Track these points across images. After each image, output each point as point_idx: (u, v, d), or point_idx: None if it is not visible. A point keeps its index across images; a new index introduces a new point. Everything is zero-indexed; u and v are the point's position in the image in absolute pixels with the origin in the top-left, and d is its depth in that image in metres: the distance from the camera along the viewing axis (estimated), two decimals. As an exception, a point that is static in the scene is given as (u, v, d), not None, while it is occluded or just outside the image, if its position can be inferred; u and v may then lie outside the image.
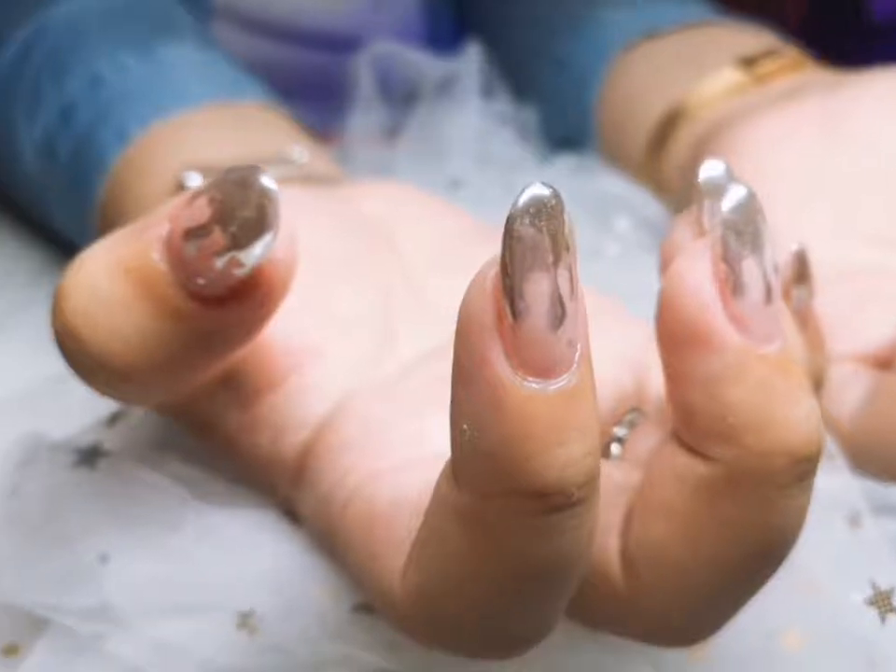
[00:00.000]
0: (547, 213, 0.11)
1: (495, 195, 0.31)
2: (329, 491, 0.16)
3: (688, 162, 0.30)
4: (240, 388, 0.17)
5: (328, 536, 0.16)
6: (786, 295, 0.17)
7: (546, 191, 0.11)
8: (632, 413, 0.18)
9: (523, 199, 0.11)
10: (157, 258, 0.13)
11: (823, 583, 0.17)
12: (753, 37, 0.33)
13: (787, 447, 0.12)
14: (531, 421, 0.11)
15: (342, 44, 0.47)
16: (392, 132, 0.35)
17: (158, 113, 0.28)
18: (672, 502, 0.13)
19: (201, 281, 0.13)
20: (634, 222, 0.29)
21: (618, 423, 0.18)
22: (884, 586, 0.17)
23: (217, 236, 0.12)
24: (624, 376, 0.18)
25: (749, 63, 0.31)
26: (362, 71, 0.36)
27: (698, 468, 0.13)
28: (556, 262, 0.11)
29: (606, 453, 0.18)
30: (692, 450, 0.13)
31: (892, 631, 0.17)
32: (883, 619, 0.17)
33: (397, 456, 0.15)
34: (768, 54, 0.32)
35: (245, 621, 0.16)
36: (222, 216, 0.12)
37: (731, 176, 0.15)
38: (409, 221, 0.23)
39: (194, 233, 0.13)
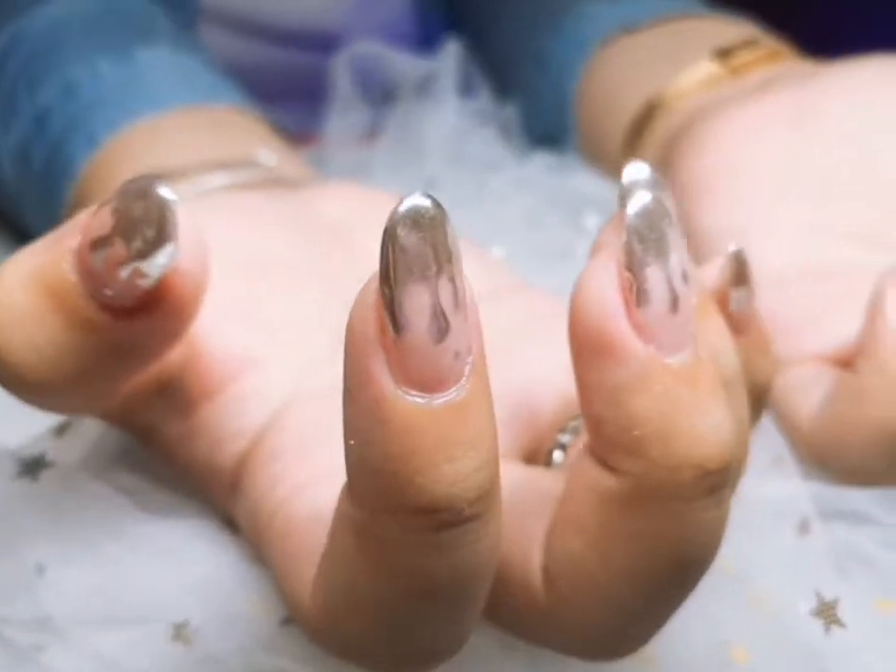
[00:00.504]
0: (427, 223, 0.11)
1: (469, 194, 0.31)
2: (257, 502, 0.16)
3: (661, 157, 0.29)
4: (177, 397, 0.17)
5: (257, 547, 0.16)
6: (724, 298, 0.17)
7: (426, 202, 0.11)
8: (577, 419, 0.18)
9: (402, 209, 0.11)
10: (68, 269, 0.13)
11: (772, 594, 0.17)
12: (732, 28, 0.33)
13: (694, 459, 0.12)
14: (416, 436, 0.11)
15: (329, 44, 0.47)
16: (371, 132, 0.35)
17: (128, 118, 0.28)
18: (584, 515, 0.13)
19: (109, 292, 0.13)
20: (605, 221, 0.29)
21: (562, 429, 0.18)
22: (828, 597, 0.16)
23: (120, 247, 0.12)
24: (571, 381, 0.18)
25: (725, 54, 0.31)
26: (340, 71, 0.36)
27: (607, 480, 0.12)
28: (438, 274, 0.11)
29: (548, 460, 0.18)
30: (602, 462, 0.13)
31: (836, 642, 0.16)
32: (827, 629, 0.16)
33: (322, 468, 0.15)
34: (745, 45, 0.31)
35: (180, 632, 0.16)
36: (123, 227, 0.12)
37: (655, 179, 0.14)
38: (368, 224, 0.23)
39: (100, 244, 0.13)
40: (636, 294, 0.12)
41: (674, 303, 0.12)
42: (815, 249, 0.24)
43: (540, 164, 0.32)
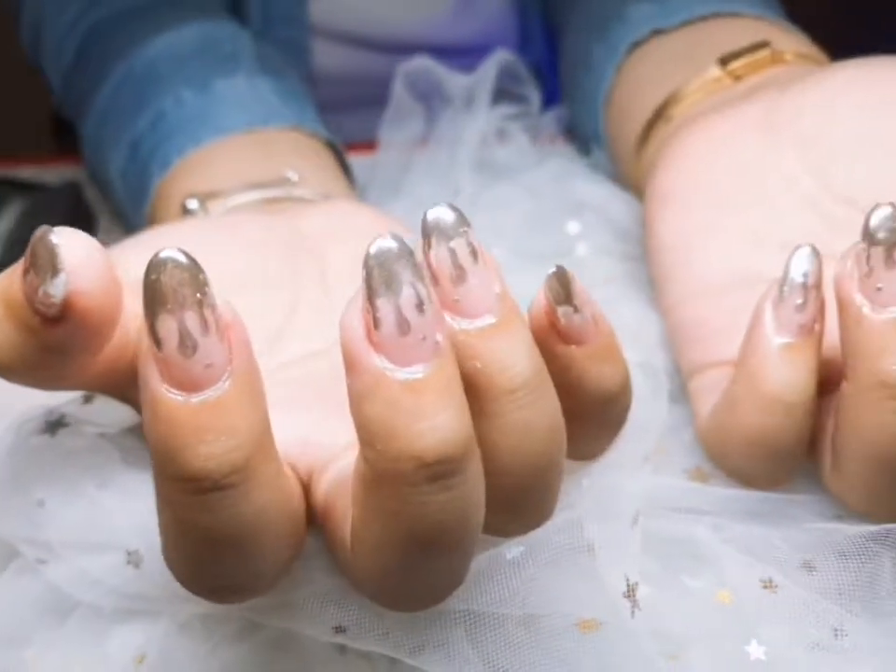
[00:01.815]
0: (175, 265, 0.14)
1: (486, 200, 0.34)
2: None
3: (651, 165, 0.31)
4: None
5: None
6: (552, 314, 0.19)
7: (177, 255, 0.15)
8: None
9: (157, 257, 0.15)
10: (17, 289, 0.18)
11: (603, 574, 0.19)
12: (750, 30, 0.33)
13: (413, 453, 0.15)
14: (175, 423, 0.15)
15: (432, 50, 0.51)
16: (422, 140, 0.39)
17: (193, 144, 0.33)
18: (355, 493, 0.16)
19: (38, 306, 0.18)
20: (593, 228, 0.31)
21: None
22: (632, 580, 0.18)
23: (33, 276, 0.17)
24: None
25: (730, 59, 0.31)
26: (397, 83, 0.39)
27: (360, 465, 0.16)
28: (184, 305, 0.14)
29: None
30: (361, 451, 0.16)
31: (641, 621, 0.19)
32: (632, 613, 0.18)
33: None
34: (752, 49, 0.31)
35: (130, 557, 0.21)
36: (31, 263, 0.17)
37: (457, 220, 0.17)
38: (341, 239, 0.26)
39: (26, 273, 0.17)
40: (373, 320, 0.15)
41: (402, 328, 0.15)
42: (753, 259, 0.25)
43: (549, 171, 0.34)
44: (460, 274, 0.16)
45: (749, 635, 0.19)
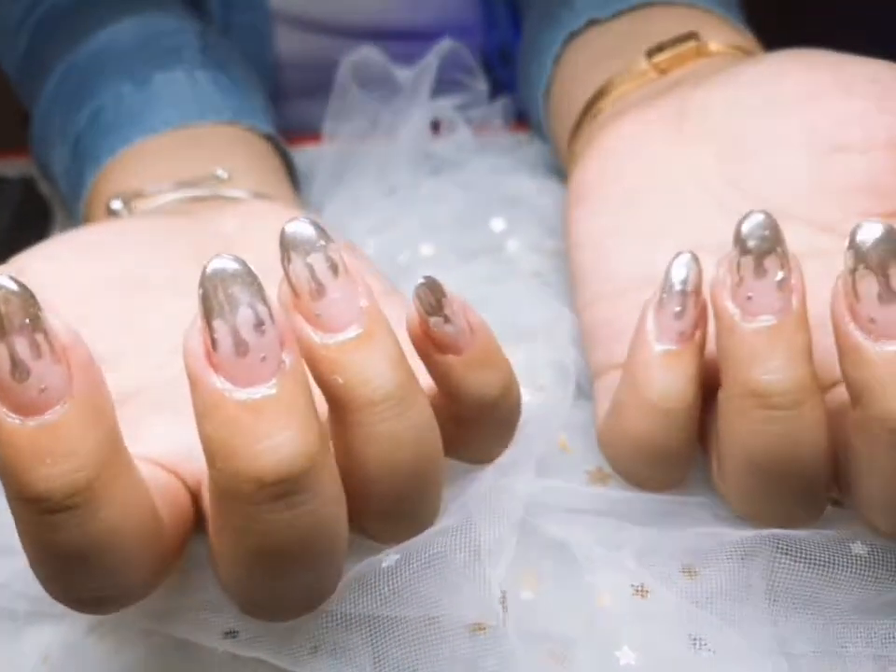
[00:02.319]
0: (5, 291, 0.15)
1: (420, 194, 0.34)
2: None
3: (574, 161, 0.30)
4: None
5: None
6: (424, 325, 0.19)
7: (2, 280, 0.15)
8: None
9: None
10: None
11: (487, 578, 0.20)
12: (682, 20, 0.32)
13: (251, 473, 0.15)
14: (16, 447, 0.15)
15: (394, 35, 0.50)
16: (366, 133, 0.39)
17: (124, 142, 0.33)
18: (208, 507, 0.17)
19: None
20: (523, 223, 0.31)
21: None
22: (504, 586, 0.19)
23: None
24: None
25: (656, 51, 0.31)
26: (342, 75, 0.39)
27: (209, 482, 0.16)
28: (12, 331, 0.15)
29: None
30: None
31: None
32: (504, 619, 0.19)
33: (139, 452, 0.19)
34: (678, 41, 0.31)
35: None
36: None
37: (316, 235, 0.17)
38: (254, 241, 0.26)
39: None
40: (210, 341, 0.15)
41: (240, 348, 0.15)
42: (659, 259, 0.25)
43: (484, 166, 0.34)
44: (319, 289, 0.17)
45: (620, 640, 0.19)
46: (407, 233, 0.32)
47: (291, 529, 0.16)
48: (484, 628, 0.20)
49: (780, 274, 0.19)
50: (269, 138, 0.35)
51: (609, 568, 0.21)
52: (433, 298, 0.19)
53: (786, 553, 0.20)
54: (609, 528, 0.22)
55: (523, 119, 0.41)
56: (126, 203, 0.30)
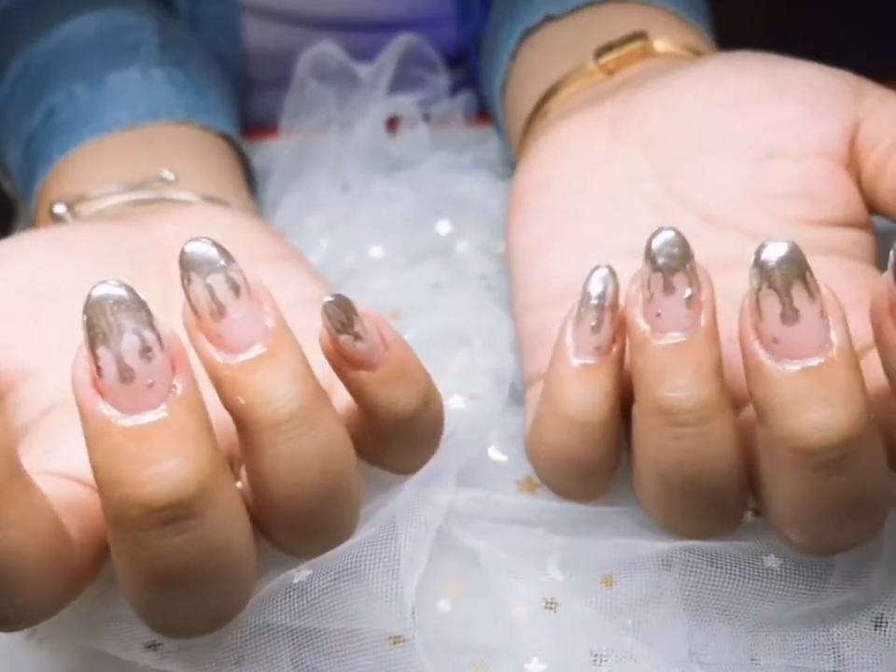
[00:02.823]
0: None
1: (374, 193, 0.34)
2: None
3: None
4: None
5: None
6: (334, 342, 0.19)
7: None
8: None
9: None
10: None
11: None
12: (634, 19, 0.32)
13: (138, 499, 0.15)
14: None
15: (364, 26, 0.50)
16: (325, 127, 0.38)
17: (75, 142, 0.32)
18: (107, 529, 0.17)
19: None
20: (473, 225, 0.31)
21: None
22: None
23: None
24: None
25: (604, 51, 0.30)
26: (301, 70, 0.39)
27: (102, 507, 0.16)
28: None
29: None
30: None
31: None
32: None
33: (40, 467, 0.20)
34: (627, 41, 0.30)
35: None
36: None
37: (217, 255, 0.17)
38: None
39: None
40: (96, 368, 0.15)
41: (125, 375, 0.15)
42: (593, 266, 0.25)
43: (436, 165, 0.33)
44: (220, 310, 0.17)
45: (531, 652, 0.20)
46: (358, 234, 0.32)
47: (182, 554, 0.16)
48: (403, 640, 0.20)
49: (689, 292, 0.18)
50: (225, 137, 0.35)
51: (525, 580, 0.21)
52: (343, 315, 0.19)
53: (704, 562, 0.21)
54: (532, 538, 0.22)
55: (487, 113, 0.41)
56: (70, 207, 0.30)
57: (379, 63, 0.38)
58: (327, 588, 0.20)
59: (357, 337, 0.19)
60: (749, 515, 0.21)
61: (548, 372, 0.22)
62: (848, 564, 0.21)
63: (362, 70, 0.38)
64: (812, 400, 0.17)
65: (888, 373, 0.18)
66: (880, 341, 0.17)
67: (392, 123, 0.37)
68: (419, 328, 0.27)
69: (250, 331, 0.17)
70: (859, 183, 0.24)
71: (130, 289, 0.16)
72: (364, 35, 0.45)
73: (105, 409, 0.15)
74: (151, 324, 0.16)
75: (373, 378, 0.19)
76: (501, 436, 0.25)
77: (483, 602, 0.21)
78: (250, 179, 0.36)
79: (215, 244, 0.17)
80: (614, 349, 0.21)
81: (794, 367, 0.17)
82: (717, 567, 0.20)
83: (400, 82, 0.39)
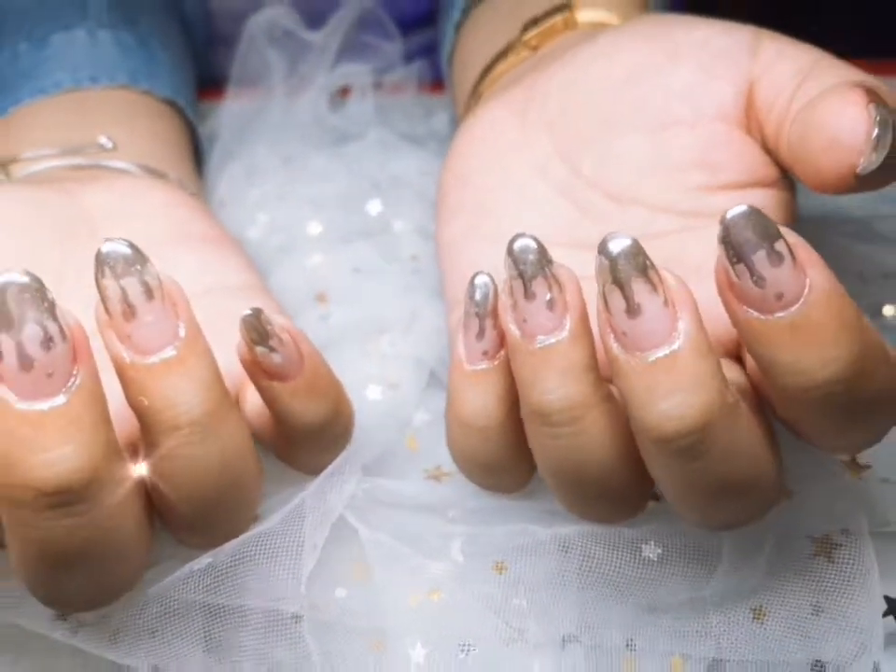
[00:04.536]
0: None
1: (318, 168, 0.34)
2: None
3: None
4: None
5: None
6: (251, 352, 0.20)
7: None
8: None
9: None
10: None
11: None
12: None
13: (29, 483, 0.16)
14: None
15: None
16: (268, 96, 0.38)
17: (13, 102, 0.32)
18: None
19: None
20: (409, 204, 0.31)
21: None
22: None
23: None
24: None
25: (529, 25, 0.29)
26: (250, 33, 0.38)
27: None
28: None
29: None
30: None
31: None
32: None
33: None
34: (551, 13, 0.29)
35: None
36: None
37: (127, 256, 0.17)
38: (121, 219, 0.26)
39: None
40: None
41: (24, 363, 0.16)
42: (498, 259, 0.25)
43: (374, 139, 0.33)
44: (131, 311, 0.17)
45: (415, 639, 0.21)
46: (295, 210, 0.32)
47: (71, 537, 0.17)
48: (302, 618, 0.21)
49: (548, 295, 0.19)
50: (171, 103, 0.35)
51: (417, 569, 0.22)
52: (260, 328, 0.19)
53: (597, 547, 0.21)
54: (436, 525, 0.23)
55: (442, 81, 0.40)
56: (3, 166, 0.29)
57: (329, 29, 0.38)
58: (229, 570, 0.21)
59: (272, 349, 0.19)
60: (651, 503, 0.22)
61: (448, 378, 0.22)
62: (733, 553, 0.22)
63: (313, 36, 0.38)
64: (662, 390, 0.17)
65: (745, 345, 0.18)
66: (730, 317, 0.18)
67: (343, 91, 0.37)
68: (342, 314, 0.27)
69: (160, 335, 0.17)
70: (765, 141, 0.24)
71: (35, 278, 0.16)
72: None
73: (2, 391, 0.16)
74: (54, 314, 0.16)
75: (286, 389, 0.20)
76: (424, 420, 0.25)
77: (377, 589, 0.22)
78: (196, 146, 0.36)
79: (131, 245, 0.17)
80: (501, 353, 0.21)
81: (643, 358, 0.17)
82: (608, 551, 0.21)
83: (353, 48, 0.39)
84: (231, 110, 0.37)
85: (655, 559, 0.21)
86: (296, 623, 0.21)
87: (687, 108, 0.24)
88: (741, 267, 0.17)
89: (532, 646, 0.20)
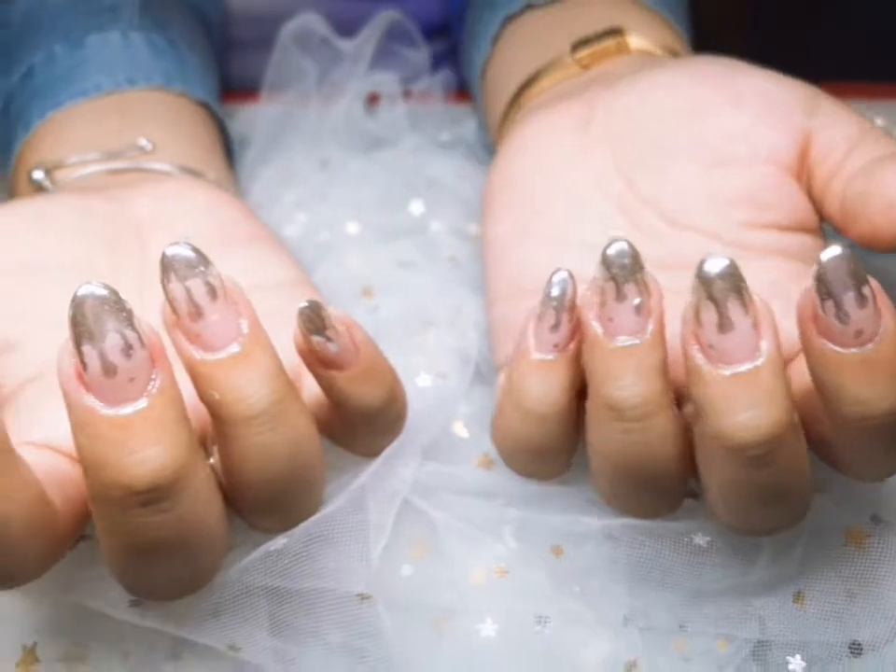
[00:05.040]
0: None
1: (351, 172, 0.35)
2: None
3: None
4: None
5: None
6: (308, 342, 0.20)
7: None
8: None
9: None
10: None
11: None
12: (613, 13, 0.32)
13: (120, 484, 0.17)
14: None
15: None
16: (303, 101, 0.39)
17: (54, 106, 0.32)
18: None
19: None
20: (445, 206, 0.32)
21: None
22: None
23: None
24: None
25: (580, 45, 0.31)
26: (283, 40, 0.39)
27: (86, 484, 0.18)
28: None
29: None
30: None
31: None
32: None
33: (23, 436, 0.21)
34: (602, 36, 0.31)
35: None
36: None
37: (192, 259, 0.18)
38: (168, 221, 0.27)
39: None
40: (81, 363, 0.17)
41: (108, 371, 0.17)
42: (559, 262, 0.26)
43: (415, 144, 0.35)
44: (197, 311, 0.18)
45: (485, 614, 0.22)
46: (334, 211, 0.33)
47: (159, 531, 0.18)
48: (369, 597, 0.22)
49: (638, 300, 0.20)
50: (204, 105, 0.35)
51: (480, 548, 0.23)
52: (317, 319, 0.20)
53: (645, 537, 0.23)
54: (489, 510, 0.24)
55: (466, 90, 0.41)
56: (48, 173, 0.30)
57: (362, 38, 0.39)
58: (300, 552, 0.21)
59: (329, 339, 0.20)
60: (688, 500, 0.23)
61: (509, 366, 0.23)
62: (773, 543, 0.23)
63: (344, 45, 0.39)
64: (740, 402, 0.18)
65: (811, 371, 0.19)
66: (805, 344, 0.19)
67: (372, 99, 0.38)
68: (389, 307, 0.28)
69: (226, 332, 0.18)
70: (809, 191, 0.26)
71: (112, 290, 0.17)
72: (348, 4, 0.45)
73: (89, 400, 0.17)
74: (132, 323, 0.17)
75: (343, 377, 0.21)
76: (465, 413, 0.26)
77: (442, 567, 0.23)
78: (228, 148, 0.36)
79: (194, 248, 0.18)
80: (571, 346, 0.22)
81: (726, 371, 0.19)
82: (657, 542, 0.22)
83: (381, 57, 0.40)
84: (264, 115, 0.38)
85: (705, 546, 0.22)
86: (362, 602, 0.22)
87: (743, 149, 0.25)
88: (830, 304, 0.18)
89: (593, 625, 0.21)
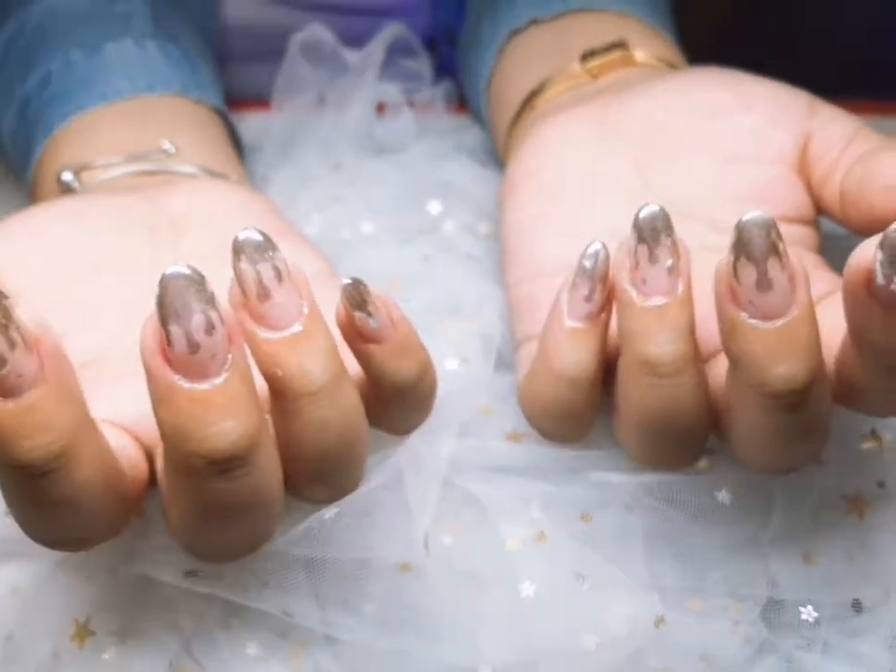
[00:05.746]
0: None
1: (364, 175, 0.36)
2: None
3: (510, 153, 0.33)
4: None
5: None
6: (350, 318, 0.22)
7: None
8: None
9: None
10: None
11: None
12: (615, 28, 0.34)
13: (201, 454, 0.18)
14: (1, 424, 0.17)
15: (343, 8, 0.51)
16: (313, 108, 0.40)
17: (75, 110, 0.33)
18: (160, 472, 0.21)
19: None
20: (458, 207, 0.34)
21: None
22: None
23: None
24: None
25: (589, 56, 0.33)
26: (292, 50, 0.41)
27: (163, 453, 0.20)
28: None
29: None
30: None
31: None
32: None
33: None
34: (609, 48, 0.33)
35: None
36: None
37: (262, 242, 0.19)
38: (202, 220, 0.28)
39: None
40: (166, 340, 0.18)
41: (192, 348, 0.18)
42: (577, 247, 0.26)
43: (423, 151, 0.36)
44: (265, 293, 0.19)
45: (523, 576, 0.23)
46: (350, 211, 0.34)
47: (233, 496, 0.19)
48: (411, 568, 0.23)
49: (670, 262, 0.21)
50: (217, 111, 0.36)
51: (516, 518, 0.24)
52: (358, 295, 0.21)
53: (663, 504, 0.24)
54: (519, 484, 0.25)
55: (465, 102, 0.43)
56: (76, 174, 0.31)
57: (368, 51, 0.41)
58: (347, 524, 0.23)
59: (370, 314, 0.21)
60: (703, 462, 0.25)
61: (543, 333, 0.25)
62: (782, 510, 0.25)
63: (351, 56, 0.40)
64: (780, 354, 0.20)
65: (849, 324, 0.20)
66: (850, 300, 0.20)
67: (379, 108, 0.40)
68: (416, 298, 0.30)
69: (289, 313, 0.20)
70: (809, 186, 0.28)
71: (196, 271, 0.18)
72: (341, 17, 0.47)
73: (172, 375, 0.18)
74: (214, 304, 0.18)
75: (381, 350, 0.22)
76: (490, 394, 0.28)
77: (480, 536, 0.24)
78: (240, 154, 0.38)
79: (262, 233, 0.19)
80: (602, 315, 0.24)
81: (765, 325, 0.20)
82: (673, 507, 0.24)
83: (384, 68, 0.41)
84: (275, 122, 0.39)
85: (728, 503, 0.24)
86: (403, 571, 0.23)
87: (753, 147, 0.28)
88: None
89: (625, 584, 0.23)
